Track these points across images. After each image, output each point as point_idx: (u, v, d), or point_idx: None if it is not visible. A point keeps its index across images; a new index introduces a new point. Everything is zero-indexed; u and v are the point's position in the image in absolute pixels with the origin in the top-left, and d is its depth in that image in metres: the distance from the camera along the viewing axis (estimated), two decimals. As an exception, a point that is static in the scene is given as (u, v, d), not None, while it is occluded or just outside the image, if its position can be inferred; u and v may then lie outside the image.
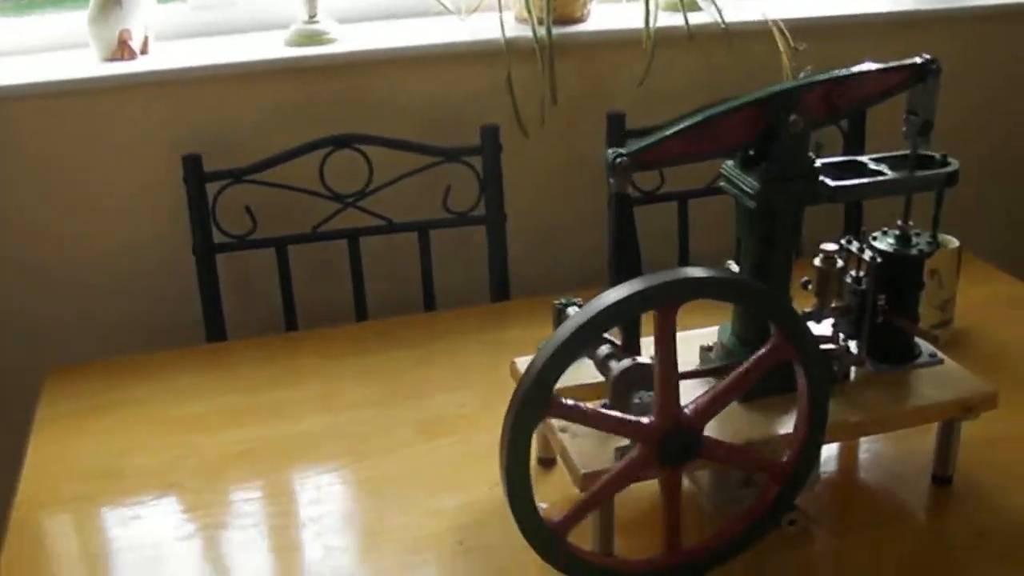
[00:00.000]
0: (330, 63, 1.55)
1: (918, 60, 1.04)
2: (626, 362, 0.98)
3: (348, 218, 1.57)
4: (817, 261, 1.09)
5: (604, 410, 0.93)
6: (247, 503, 1.13)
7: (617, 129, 1.59)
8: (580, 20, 1.68)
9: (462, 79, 1.60)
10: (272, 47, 1.60)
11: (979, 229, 1.96)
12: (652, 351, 0.97)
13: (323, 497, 1.15)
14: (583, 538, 0.97)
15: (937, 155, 1.09)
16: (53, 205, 1.55)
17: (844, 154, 1.75)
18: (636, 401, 0.96)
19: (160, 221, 1.57)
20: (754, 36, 1.63)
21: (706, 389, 1.03)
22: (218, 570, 1.04)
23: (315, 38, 1.58)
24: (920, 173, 1.05)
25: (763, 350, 0.94)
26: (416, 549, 1.05)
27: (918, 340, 1.16)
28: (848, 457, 1.19)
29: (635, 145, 0.98)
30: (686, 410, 0.92)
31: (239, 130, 1.54)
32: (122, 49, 1.52)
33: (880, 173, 1.06)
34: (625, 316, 0.91)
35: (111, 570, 1.05)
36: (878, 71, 1.03)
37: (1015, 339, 1.42)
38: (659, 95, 1.64)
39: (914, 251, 1.11)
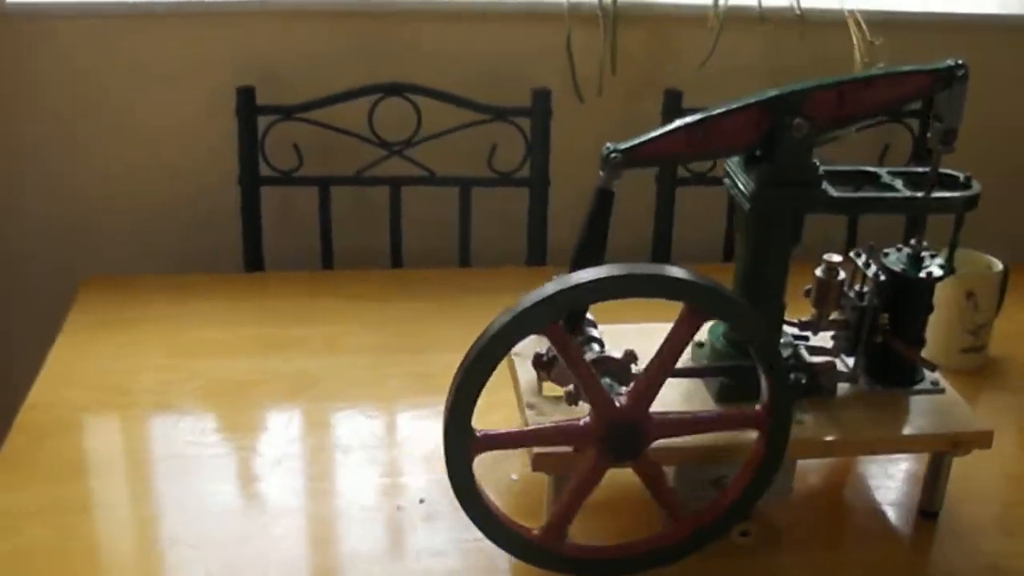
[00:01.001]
0: (391, 10, 1.56)
1: (943, 64, 0.98)
2: (594, 353, 0.98)
3: (393, 166, 1.59)
4: (819, 271, 1.06)
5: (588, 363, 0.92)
6: (228, 432, 1.18)
7: (674, 107, 1.56)
8: (653, -10, 1.64)
9: (521, 38, 1.59)
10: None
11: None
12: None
13: (296, 436, 1.18)
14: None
15: (961, 175, 1.04)
16: (105, 124, 1.60)
17: (912, 158, 1.68)
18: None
19: (207, 149, 1.61)
20: (830, 25, 1.57)
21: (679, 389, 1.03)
22: (181, 493, 1.08)
23: (381, -17, 1.60)
24: (934, 195, 1.00)
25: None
26: (370, 504, 1.08)
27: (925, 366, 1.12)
28: (838, 474, 1.16)
29: (629, 141, 0.96)
30: (618, 403, 0.91)
31: (293, 67, 1.57)
32: (196, -23, 1.56)
33: (891, 188, 1.02)
34: (587, 301, 0.90)
35: (87, 479, 1.10)
36: (896, 75, 0.99)
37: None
38: (722, 76, 1.59)
39: (921, 274, 1.06)
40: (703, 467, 1.01)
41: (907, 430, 1.04)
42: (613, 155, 0.95)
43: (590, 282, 0.86)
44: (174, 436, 1.16)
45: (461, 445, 0.91)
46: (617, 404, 0.90)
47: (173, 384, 1.25)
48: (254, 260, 1.59)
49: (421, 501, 1.07)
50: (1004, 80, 1.74)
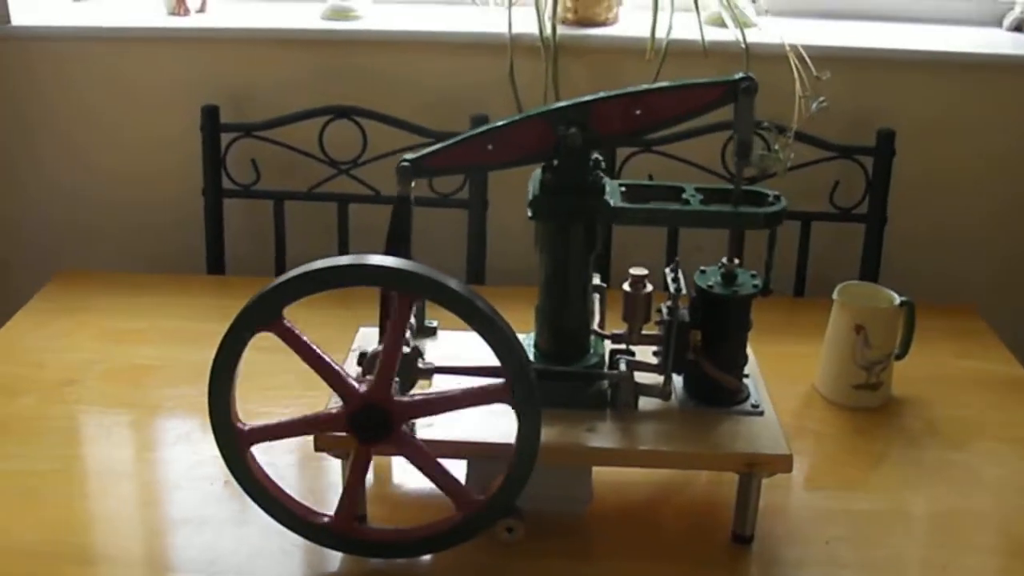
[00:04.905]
0: (346, 39, 1.66)
1: (730, 78, 1.00)
2: (379, 347, 1.03)
3: (342, 184, 1.68)
4: (626, 285, 1.08)
5: (320, 353, 0.99)
6: (109, 405, 1.29)
7: (613, 136, 1.59)
8: (604, 23, 1.68)
9: (467, 68, 1.66)
10: (305, 17, 1.73)
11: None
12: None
13: (166, 414, 1.29)
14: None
15: (771, 194, 1.05)
16: (92, 134, 1.77)
17: (866, 190, 1.65)
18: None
19: (180, 162, 1.75)
20: (775, 60, 1.57)
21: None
22: (56, 450, 1.21)
23: (343, 14, 1.71)
24: (715, 208, 1.01)
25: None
26: (198, 476, 1.16)
27: (756, 388, 1.12)
28: (655, 491, 1.16)
29: (420, 152, 1.03)
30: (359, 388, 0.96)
31: (259, 90, 1.69)
32: (179, 6, 1.71)
33: (687, 203, 1.03)
34: (298, 295, 0.99)
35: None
36: (680, 87, 1.01)
37: (945, 422, 1.30)
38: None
39: (728, 292, 1.06)
40: (493, 463, 1.04)
41: (699, 447, 1.04)
42: (403, 164, 1.02)
43: (292, 279, 0.96)
44: (65, 405, 1.29)
45: (229, 442, 0.99)
46: (358, 388, 0.95)
47: (84, 364, 1.37)
48: (216, 265, 1.71)
49: (226, 482, 1.14)
50: (956, 116, 1.70)
